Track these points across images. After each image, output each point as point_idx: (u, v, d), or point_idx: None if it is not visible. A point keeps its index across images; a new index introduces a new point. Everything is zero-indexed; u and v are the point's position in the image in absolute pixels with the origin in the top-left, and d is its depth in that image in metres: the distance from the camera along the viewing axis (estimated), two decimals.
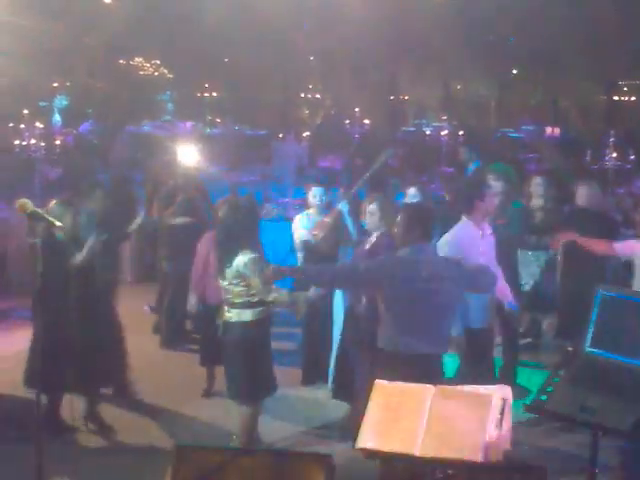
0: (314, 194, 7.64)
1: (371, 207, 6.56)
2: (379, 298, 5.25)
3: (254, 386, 6.04)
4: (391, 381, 4.32)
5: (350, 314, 6.57)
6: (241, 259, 5.80)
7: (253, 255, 5.79)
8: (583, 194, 8.15)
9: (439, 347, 5.23)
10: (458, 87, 32.38)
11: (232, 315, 5.97)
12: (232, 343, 6.00)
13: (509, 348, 7.42)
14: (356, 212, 7.03)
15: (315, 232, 7.35)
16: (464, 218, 6.48)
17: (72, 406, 6.53)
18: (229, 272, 5.87)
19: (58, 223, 4.95)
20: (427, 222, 5.28)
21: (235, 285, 5.88)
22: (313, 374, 7.67)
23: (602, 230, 7.39)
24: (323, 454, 3.87)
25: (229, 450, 4.83)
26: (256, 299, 5.89)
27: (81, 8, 21.18)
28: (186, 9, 22.94)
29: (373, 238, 6.53)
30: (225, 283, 5.95)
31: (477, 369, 6.36)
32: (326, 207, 7.59)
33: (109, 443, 6.57)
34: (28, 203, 4.71)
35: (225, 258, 5.91)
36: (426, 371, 4.98)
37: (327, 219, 7.30)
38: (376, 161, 7.69)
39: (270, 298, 5.85)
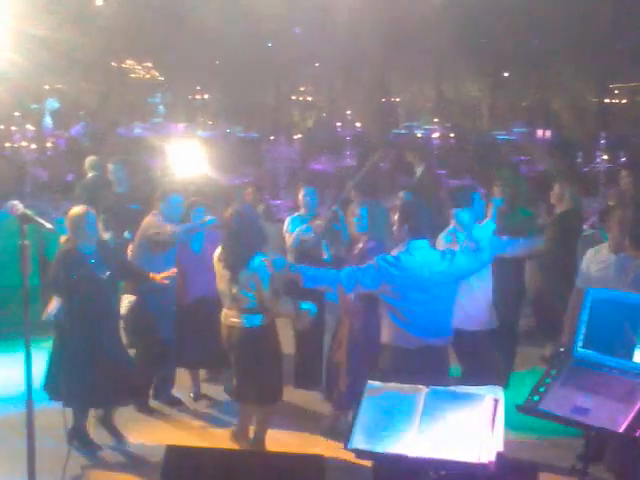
0: (305, 196, 7.61)
1: (359, 211, 6.53)
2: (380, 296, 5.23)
3: (278, 384, 6.09)
4: (397, 375, 4.33)
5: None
6: (255, 264, 5.78)
7: (265, 261, 5.77)
8: (556, 195, 8.22)
9: (443, 338, 5.23)
10: (450, 89, 32.42)
11: (243, 321, 5.93)
12: (249, 349, 5.93)
13: (506, 349, 7.39)
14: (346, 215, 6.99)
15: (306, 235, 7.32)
16: (451, 224, 6.43)
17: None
18: (243, 278, 5.84)
19: (48, 225, 4.91)
20: (416, 218, 5.25)
21: (248, 291, 5.86)
22: (306, 376, 7.63)
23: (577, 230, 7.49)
24: (315, 455, 3.87)
25: (220, 451, 4.82)
26: (265, 305, 5.86)
27: (73, 10, 21.13)
28: (178, 12, 22.95)
29: (360, 243, 6.51)
30: (235, 290, 5.91)
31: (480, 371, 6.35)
32: (318, 209, 7.56)
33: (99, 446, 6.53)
34: (19, 205, 4.68)
35: (238, 264, 5.88)
36: (433, 363, 5.01)
37: (319, 221, 7.28)
38: (366, 164, 7.69)
39: (276, 306, 5.84)
